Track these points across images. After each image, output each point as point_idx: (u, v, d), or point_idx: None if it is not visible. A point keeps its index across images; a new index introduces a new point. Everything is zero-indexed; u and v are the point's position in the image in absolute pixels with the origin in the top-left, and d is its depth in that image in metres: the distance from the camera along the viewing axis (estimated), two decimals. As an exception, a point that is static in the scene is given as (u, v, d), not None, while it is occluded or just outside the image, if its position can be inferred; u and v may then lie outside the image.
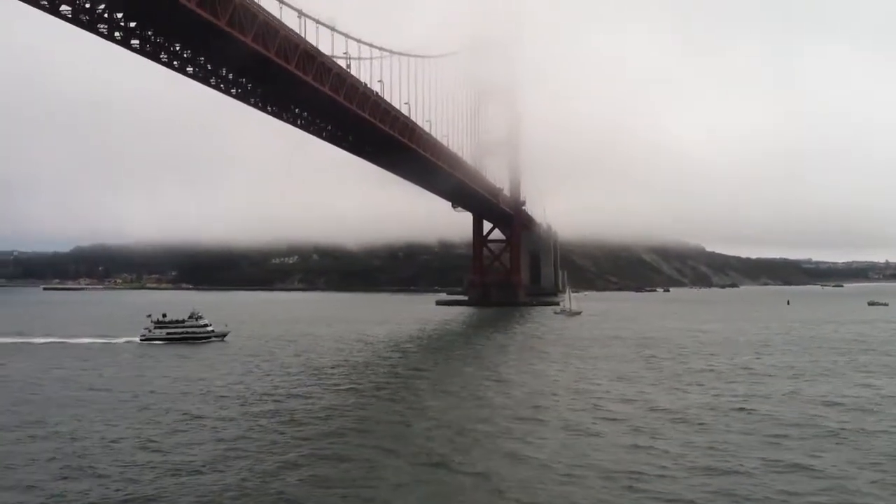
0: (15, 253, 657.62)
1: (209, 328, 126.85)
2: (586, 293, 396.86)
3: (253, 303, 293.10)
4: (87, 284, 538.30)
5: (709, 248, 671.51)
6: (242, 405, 64.05)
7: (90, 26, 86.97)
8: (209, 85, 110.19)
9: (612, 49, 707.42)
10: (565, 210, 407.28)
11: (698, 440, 50.61)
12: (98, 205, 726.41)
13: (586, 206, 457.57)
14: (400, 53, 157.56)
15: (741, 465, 44.50)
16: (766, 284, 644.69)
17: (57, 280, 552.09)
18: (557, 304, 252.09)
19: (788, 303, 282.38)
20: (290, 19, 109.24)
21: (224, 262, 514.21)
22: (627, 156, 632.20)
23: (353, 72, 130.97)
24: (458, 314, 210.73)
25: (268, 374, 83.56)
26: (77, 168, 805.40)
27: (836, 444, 49.99)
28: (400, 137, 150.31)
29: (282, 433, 52.82)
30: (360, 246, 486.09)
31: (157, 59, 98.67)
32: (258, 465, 44.37)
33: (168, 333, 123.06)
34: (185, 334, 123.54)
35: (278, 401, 65.68)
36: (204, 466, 44.04)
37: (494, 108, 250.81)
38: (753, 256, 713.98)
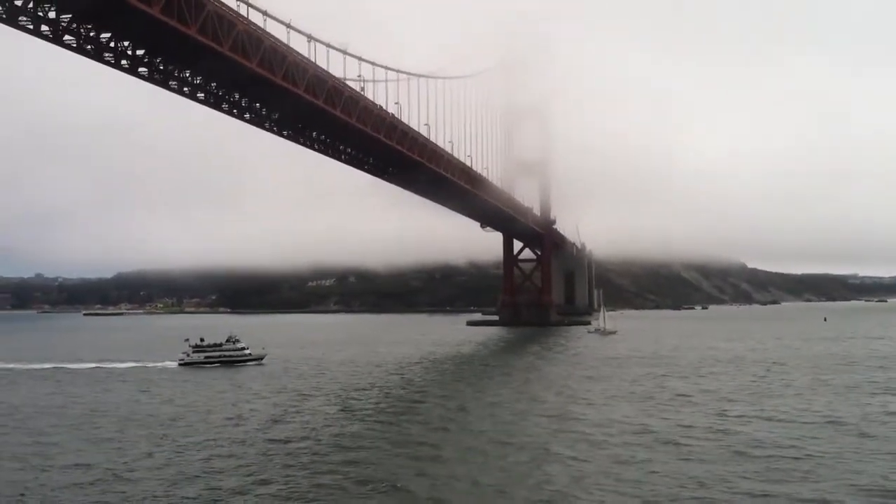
0: (60, 279, 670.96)
1: (246, 351, 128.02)
2: (623, 312, 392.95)
3: (284, 325, 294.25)
4: (128, 309, 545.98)
5: (751, 265, 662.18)
6: (234, 427, 64.49)
7: (96, 55, 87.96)
8: (220, 110, 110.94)
9: (635, 68, 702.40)
10: (601, 229, 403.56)
11: (677, 467, 49.13)
12: (136, 232, 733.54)
13: (622, 224, 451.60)
14: (418, 75, 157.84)
15: (720, 496, 43.14)
16: (808, 301, 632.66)
17: (99, 306, 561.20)
18: (590, 323, 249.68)
19: (825, 319, 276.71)
20: (300, 44, 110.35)
21: (262, 286, 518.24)
22: (657, 174, 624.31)
23: (373, 95, 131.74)
24: (486, 335, 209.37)
25: (264, 397, 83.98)
26: (103, 196, 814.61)
27: (822, 468, 48.41)
28: (418, 158, 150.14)
29: (248, 458, 52.73)
30: (395, 267, 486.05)
31: (166, 86, 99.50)
32: (211, 492, 44.19)
33: (206, 357, 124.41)
34: (222, 357, 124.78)
35: (261, 427, 65.50)
36: (158, 493, 44.04)
37: (522, 127, 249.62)
38: (798, 272, 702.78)
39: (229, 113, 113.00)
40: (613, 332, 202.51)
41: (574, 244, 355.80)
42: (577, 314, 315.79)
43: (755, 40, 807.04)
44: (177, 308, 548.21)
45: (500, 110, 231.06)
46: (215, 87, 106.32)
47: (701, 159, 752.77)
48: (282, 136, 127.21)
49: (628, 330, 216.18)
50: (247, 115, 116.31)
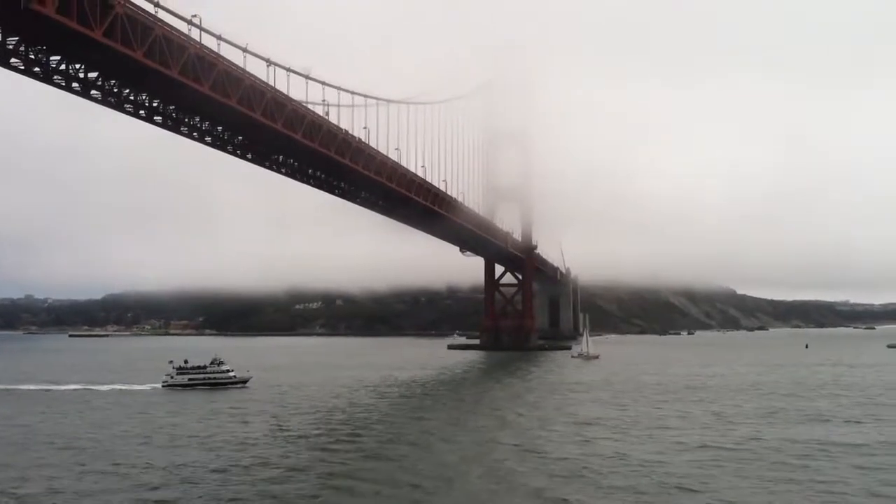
0: (49, 301, 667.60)
1: (231, 373, 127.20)
2: (607, 336, 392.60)
3: (264, 349, 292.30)
4: (114, 331, 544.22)
5: (740, 291, 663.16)
6: (155, 450, 64.12)
7: (45, 78, 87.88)
8: (180, 133, 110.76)
9: (613, 94, 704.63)
10: (588, 255, 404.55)
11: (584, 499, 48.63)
12: (120, 254, 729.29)
13: (610, 250, 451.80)
14: (388, 101, 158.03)
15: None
16: (797, 327, 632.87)
17: (86, 327, 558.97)
18: (570, 348, 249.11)
19: (807, 346, 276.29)
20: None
21: (249, 308, 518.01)
22: (645, 200, 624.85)
23: (338, 119, 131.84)
24: (462, 359, 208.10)
25: (201, 421, 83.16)
26: (69, 218, 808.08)
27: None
28: (387, 182, 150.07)
29: (151, 484, 52.23)
30: (380, 291, 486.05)
31: (121, 109, 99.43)
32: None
33: (190, 379, 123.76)
34: (206, 380, 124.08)
35: (185, 452, 64.91)
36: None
37: (501, 153, 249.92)
38: (789, 299, 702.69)
39: (189, 136, 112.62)
40: (596, 357, 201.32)
41: (559, 269, 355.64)
42: (561, 339, 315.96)
43: (712, 66, 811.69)
44: (163, 330, 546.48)
45: (477, 136, 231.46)
46: (173, 110, 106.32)
47: (691, 185, 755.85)
48: (246, 159, 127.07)
49: (608, 355, 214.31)
50: (208, 139, 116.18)
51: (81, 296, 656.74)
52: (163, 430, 77.03)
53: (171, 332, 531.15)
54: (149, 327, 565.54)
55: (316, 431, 76.35)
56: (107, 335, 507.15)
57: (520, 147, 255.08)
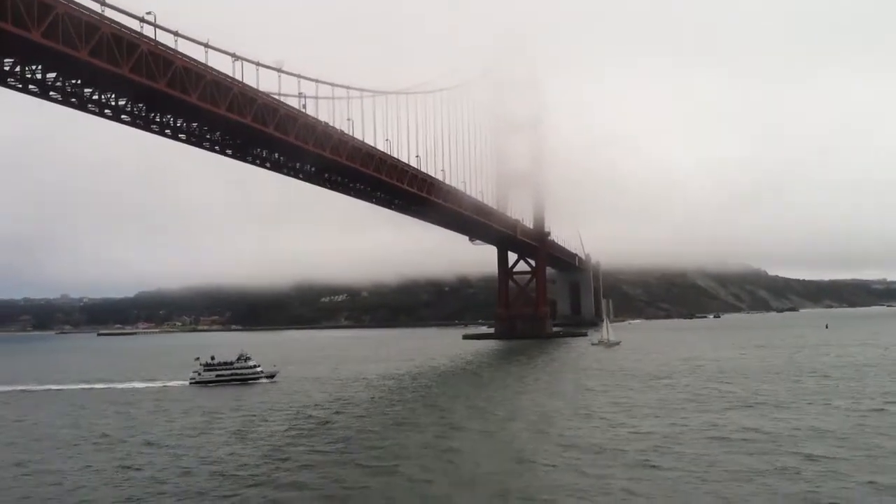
0: (84, 300, 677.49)
1: (258, 369, 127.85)
2: (630, 322, 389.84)
3: (285, 342, 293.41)
4: (143, 329, 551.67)
5: (772, 272, 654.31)
6: (108, 452, 64.30)
7: (1, 82, 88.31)
8: (150, 131, 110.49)
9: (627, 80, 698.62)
10: (612, 240, 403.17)
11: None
12: (150, 253, 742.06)
13: (636, 235, 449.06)
14: (374, 91, 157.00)
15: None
16: (829, 307, 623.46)
17: (117, 325, 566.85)
18: (586, 334, 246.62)
19: (826, 326, 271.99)
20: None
21: (276, 303, 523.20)
22: (667, 184, 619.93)
23: (340, 113, 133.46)
24: (475, 348, 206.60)
25: (176, 419, 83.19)
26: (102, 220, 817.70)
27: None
28: (375, 174, 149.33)
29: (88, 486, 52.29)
30: (405, 282, 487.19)
31: (84, 109, 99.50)
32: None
33: (217, 375, 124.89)
34: (233, 376, 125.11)
35: (163, 448, 65.30)
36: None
37: (507, 142, 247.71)
38: (826, 279, 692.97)
39: (161, 133, 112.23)
40: (617, 343, 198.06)
41: (577, 255, 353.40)
42: (583, 325, 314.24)
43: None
44: (191, 326, 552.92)
45: (479, 125, 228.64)
46: (141, 108, 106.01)
47: (712, 167, 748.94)
48: (226, 154, 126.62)
49: (629, 341, 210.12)
50: (181, 136, 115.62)
51: (116, 294, 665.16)
52: (137, 429, 77.32)
53: (200, 328, 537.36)
54: (179, 324, 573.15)
55: (289, 429, 75.18)
56: (135, 333, 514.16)
57: (526, 135, 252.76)
